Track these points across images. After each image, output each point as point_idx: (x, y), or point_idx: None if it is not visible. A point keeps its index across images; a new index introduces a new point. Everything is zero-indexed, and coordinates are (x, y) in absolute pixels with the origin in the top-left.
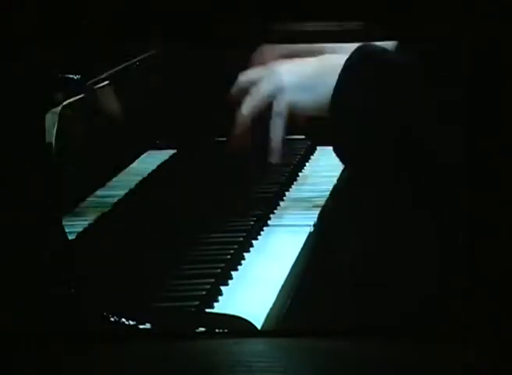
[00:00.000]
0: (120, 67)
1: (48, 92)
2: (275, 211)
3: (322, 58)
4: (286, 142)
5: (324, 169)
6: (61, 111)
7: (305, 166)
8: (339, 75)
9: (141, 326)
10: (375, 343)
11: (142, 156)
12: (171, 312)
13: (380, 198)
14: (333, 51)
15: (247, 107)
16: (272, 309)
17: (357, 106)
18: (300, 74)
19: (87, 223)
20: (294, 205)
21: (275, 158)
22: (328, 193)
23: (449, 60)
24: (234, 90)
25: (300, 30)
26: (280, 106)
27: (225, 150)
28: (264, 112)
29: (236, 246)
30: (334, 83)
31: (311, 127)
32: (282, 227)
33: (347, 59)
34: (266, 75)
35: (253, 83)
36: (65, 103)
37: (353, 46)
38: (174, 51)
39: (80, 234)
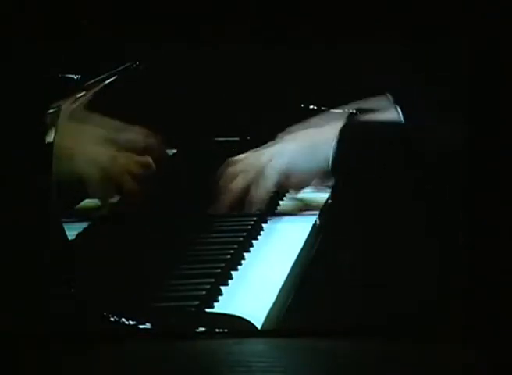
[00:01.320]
0: (120, 68)
1: (47, 92)
2: (275, 211)
3: (317, 129)
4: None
5: None
6: (61, 111)
7: None
8: (336, 146)
9: (141, 326)
10: (375, 343)
11: None
12: (171, 312)
13: (381, 199)
14: None
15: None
16: (271, 309)
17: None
18: (295, 143)
19: (87, 223)
20: (294, 205)
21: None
22: (328, 194)
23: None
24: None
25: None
26: (271, 172)
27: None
28: None
29: (236, 246)
30: (326, 153)
31: None
32: (282, 227)
33: (340, 132)
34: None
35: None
36: (64, 103)
37: None
38: (174, 51)
39: (79, 234)
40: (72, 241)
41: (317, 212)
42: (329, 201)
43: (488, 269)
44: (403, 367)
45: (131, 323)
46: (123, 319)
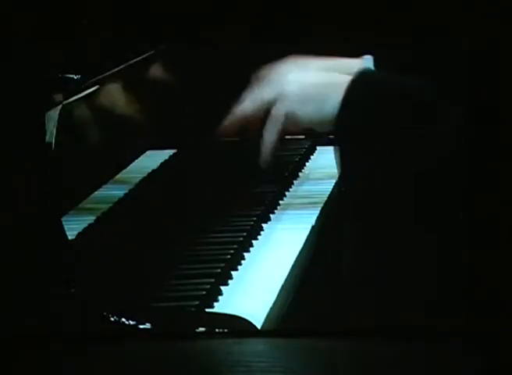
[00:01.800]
0: (120, 67)
1: (47, 92)
2: (275, 211)
3: (330, 74)
4: (278, 148)
5: (324, 169)
6: (61, 111)
7: (305, 165)
8: (343, 99)
9: (141, 326)
10: (375, 343)
11: (142, 156)
12: (171, 312)
13: (380, 198)
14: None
15: (243, 109)
16: (271, 309)
17: (360, 130)
18: (304, 85)
19: (86, 223)
20: (294, 204)
21: (264, 163)
22: (329, 193)
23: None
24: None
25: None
26: (277, 114)
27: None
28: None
29: (236, 246)
30: (335, 102)
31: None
32: (283, 227)
33: (351, 83)
34: (271, 80)
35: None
36: (65, 103)
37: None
38: (174, 51)
39: (79, 234)
40: (72, 240)
41: (317, 212)
42: (330, 200)
43: (488, 269)
44: (402, 367)
45: (131, 323)
46: (123, 319)
